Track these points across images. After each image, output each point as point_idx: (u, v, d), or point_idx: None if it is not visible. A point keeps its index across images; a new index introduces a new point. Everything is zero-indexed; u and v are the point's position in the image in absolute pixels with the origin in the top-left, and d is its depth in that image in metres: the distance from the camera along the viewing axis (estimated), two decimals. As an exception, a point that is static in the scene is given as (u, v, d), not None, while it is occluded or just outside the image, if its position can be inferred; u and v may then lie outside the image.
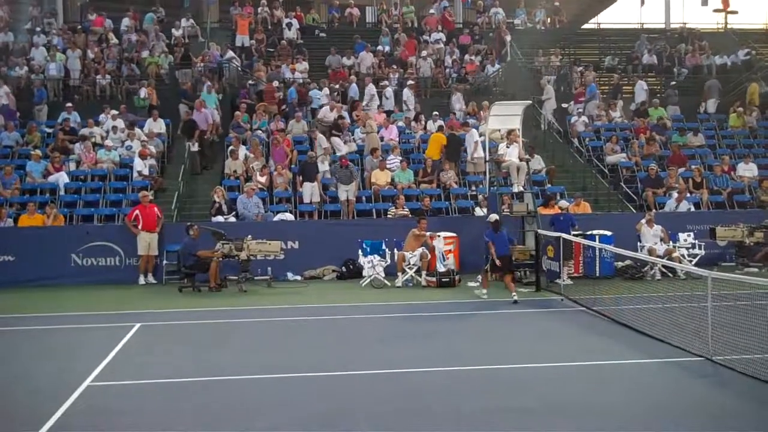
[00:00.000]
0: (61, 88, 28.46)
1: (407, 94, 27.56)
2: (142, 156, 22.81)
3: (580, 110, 27.84)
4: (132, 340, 12.72)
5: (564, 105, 28.74)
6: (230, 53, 29.52)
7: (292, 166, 23.16)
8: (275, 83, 27.59)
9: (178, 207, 21.69)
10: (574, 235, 17.67)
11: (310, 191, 21.79)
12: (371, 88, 27.49)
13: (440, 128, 24.49)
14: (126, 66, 28.88)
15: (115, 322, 14.29)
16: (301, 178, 22.11)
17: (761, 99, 29.69)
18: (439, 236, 18.58)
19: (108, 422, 8.46)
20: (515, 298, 15.84)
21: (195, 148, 24.33)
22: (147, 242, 19.17)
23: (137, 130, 24.35)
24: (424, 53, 30.80)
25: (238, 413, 8.63)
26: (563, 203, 20.06)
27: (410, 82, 28.41)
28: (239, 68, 29.27)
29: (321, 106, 26.13)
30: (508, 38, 32.50)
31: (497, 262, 16.11)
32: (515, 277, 17.34)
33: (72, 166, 23.17)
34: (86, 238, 19.50)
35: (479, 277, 18.05)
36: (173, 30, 31.51)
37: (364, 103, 26.93)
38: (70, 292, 18.02)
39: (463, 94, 28.19)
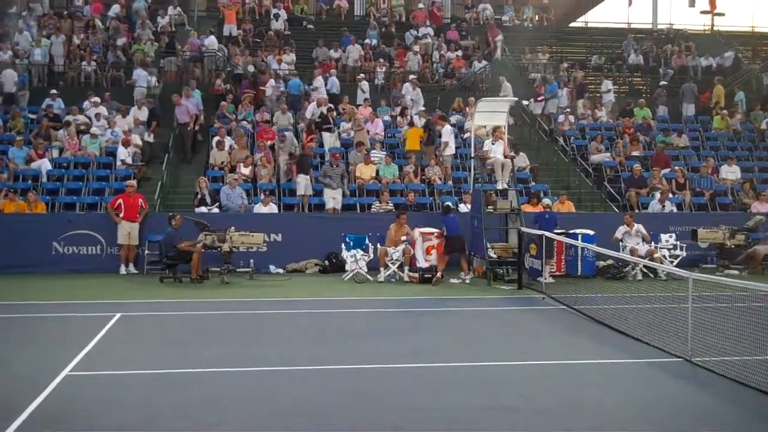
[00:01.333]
0: (46, 73, 28.25)
1: (407, 88, 27.63)
2: (125, 144, 22.67)
3: (568, 110, 27.91)
4: (112, 329, 12.63)
5: (524, 102, 28.68)
6: (212, 39, 29.19)
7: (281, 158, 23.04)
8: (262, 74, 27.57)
9: (161, 197, 21.57)
10: (556, 233, 17.72)
11: (305, 184, 21.68)
12: (318, 80, 27.51)
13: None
14: (112, 53, 28.68)
15: (95, 311, 14.19)
16: (296, 169, 22.04)
17: (728, 100, 29.87)
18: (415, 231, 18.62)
19: (86, 412, 8.41)
20: (466, 280, 17.83)
21: (148, 138, 24.24)
22: (127, 231, 19.06)
23: (120, 118, 24.20)
24: (415, 48, 30.81)
25: (216, 405, 8.60)
26: (546, 201, 20.16)
27: (412, 77, 28.48)
28: (224, 56, 29.05)
29: (308, 100, 26.15)
30: (499, 39, 32.45)
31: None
32: (497, 274, 17.69)
33: (55, 153, 23.01)
34: (68, 226, 19.37)
35: (462, 273, 18.18)
36: (159, 18, 31.32)
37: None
38: (51, 281, 17.88)
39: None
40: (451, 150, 23.60)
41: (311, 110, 25.19)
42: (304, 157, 22.17)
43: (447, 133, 23.58)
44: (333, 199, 21.38)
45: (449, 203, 19.56)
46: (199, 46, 29.02)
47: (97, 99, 25.06)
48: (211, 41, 29.14)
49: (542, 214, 19.21)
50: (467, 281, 17.99)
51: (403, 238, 18.27)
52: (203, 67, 28.57)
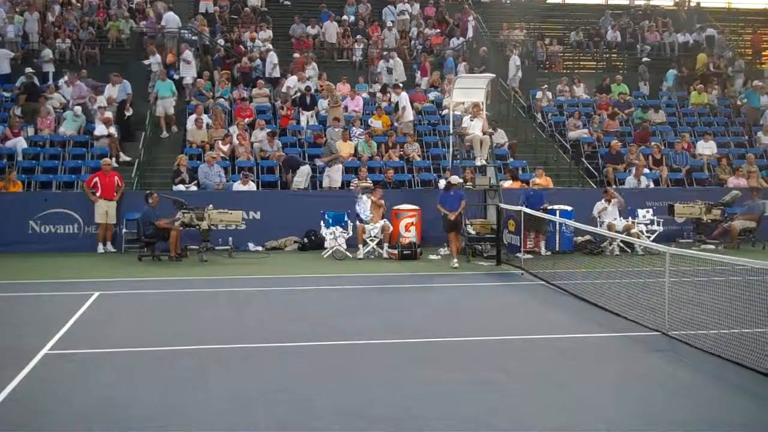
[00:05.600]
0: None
1: (394, 63, 27.55)
2: (106, 123, 22.40)
3: (546, 86, 27.92)
4: (91, 308, 12.61)
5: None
6: (170, 14, 28.30)
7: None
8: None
9: (138, 175, 21.42)
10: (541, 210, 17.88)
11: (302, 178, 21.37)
12: (272, 56, 27.43)
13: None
14: (85, 30, 28.31)
15: (73, 290, 14.15)
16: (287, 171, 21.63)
17: (706, 69, 30.12)
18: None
19: (66, 390, 8.39)
20: (444, 254, 17.97)
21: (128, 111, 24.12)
22: (104, 210, 18.95)
23: (98, 96, 23.94)
24: (389, 23, 30.66)
25: (195, 383, 8.61)
26: (537, 180, 20.41)
27: (391, 53, 28.36)
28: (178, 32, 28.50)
29: (285, 76, 26.03)
30: (470, 19, 32.31)
31: (450, 216, 17.19)
32: (476, 250, 17.83)
33: (30, 131, 22.77)
34: (44, 204, 19.24)
35: (441, 249, 18.24)
36: (135, -6, 30.91)
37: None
38: (28, 260, 17.77)
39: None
40: (409, 116, 23.79)
41: (291, 82, 25.02)
42: (290, 159, 21.84)
43: (403, 100, 23.85)
44: (328, 177, 21.29)
45: (454, 179, 18.26)
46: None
47: (69, 75, 24.79)
48: (170, 17, 28.46)
49: (529, 191, 19.38)
50: (442, 255, 18.15)
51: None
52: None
